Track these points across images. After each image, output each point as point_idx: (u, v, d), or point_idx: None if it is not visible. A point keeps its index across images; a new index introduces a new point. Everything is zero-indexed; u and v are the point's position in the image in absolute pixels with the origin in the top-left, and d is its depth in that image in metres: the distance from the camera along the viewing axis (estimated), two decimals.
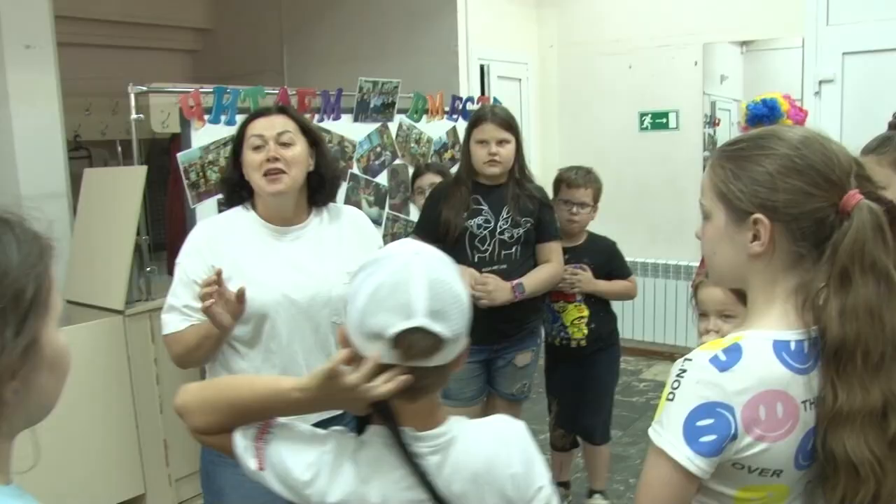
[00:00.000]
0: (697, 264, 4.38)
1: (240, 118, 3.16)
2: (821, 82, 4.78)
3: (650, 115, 5.43)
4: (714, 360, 1.12)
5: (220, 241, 2.02)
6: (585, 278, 3.08)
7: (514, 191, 2.86)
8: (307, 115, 3.54)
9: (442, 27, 5.04)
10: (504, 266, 2.84)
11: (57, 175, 3.83)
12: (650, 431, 1.16)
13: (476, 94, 4.97)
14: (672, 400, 1.14)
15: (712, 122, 5.52)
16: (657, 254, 5.45)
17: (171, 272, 4.15)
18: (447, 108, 4.37)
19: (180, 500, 3.57)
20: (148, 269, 3.50)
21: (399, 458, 1.13)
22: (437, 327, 1.09)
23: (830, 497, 1.14)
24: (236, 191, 2.11)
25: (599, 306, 3.17)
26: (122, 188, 3.41)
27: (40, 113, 3.76)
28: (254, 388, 1.20)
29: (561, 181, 3.19)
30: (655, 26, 5.32)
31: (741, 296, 1.77)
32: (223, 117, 3.18)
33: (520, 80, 5.65)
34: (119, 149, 5.90)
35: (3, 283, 0.81)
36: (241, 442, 1.16)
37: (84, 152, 5.65)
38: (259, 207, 2.09)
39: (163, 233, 5.00)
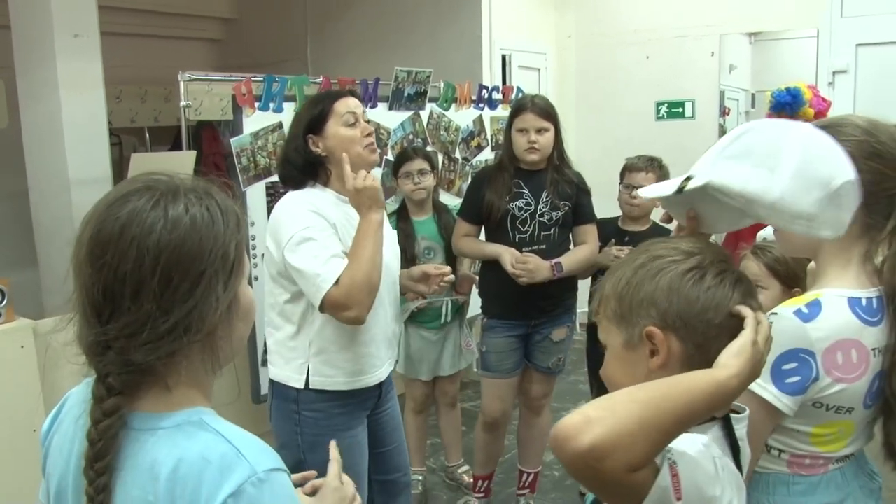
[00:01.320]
0: None
1: (287, 106, 3.35)
2: (835, 73, 4.94)
3: (666, 105, 5.59)
4: (798, 313, 1.31)
5: (320, 210, 2.15)
6: None
7: (553, 176, 3.01)
8: None
9: (465, 17, 5.17)
10: (543, 246, 3.00)
11: (102, 161, 3.97)
12: None
13: (498, 82, 5.11)
14: None
15: (722, 111, 5.67)
16: None
17: None
18: (474, 97, 4.51)
19: None
20: None
21: (731, 447, 1.08)
22: None
23: (894, 429, 1.33)
24: (309, 170, 2.22)
25: None
26: (173, 172, 3.53)
27: (87, 101, 3.88)
28: (693, 391, 0.95)
29: (624, 167, 3.35)
30: (673, 17, 5.46)
31: (772, 270, 1.97)
32: (271, 105, 3.31)
33: (539, 69, 5.79)
34: (147, 135, 6.06)
35: (214, 248, 0.99)
36: (666, 472, 0.94)
37: (115, 139, 5.79)
38: (335, 182, 2.23)
39: None
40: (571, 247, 3.13)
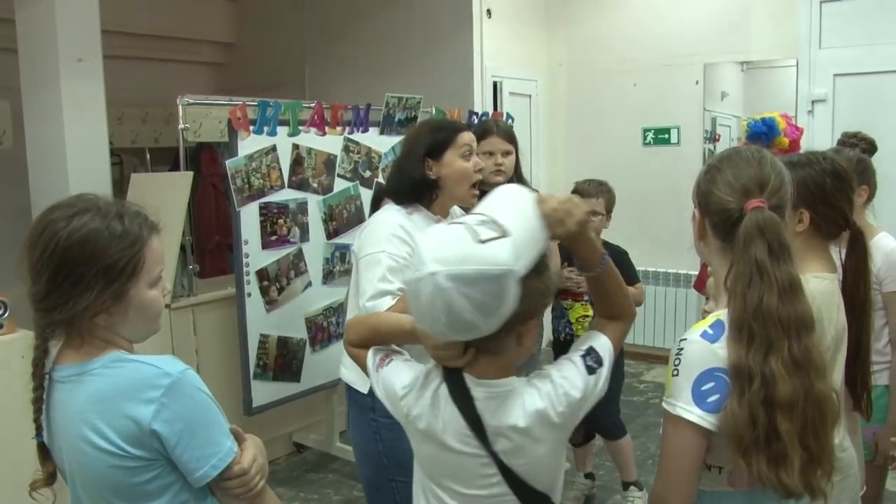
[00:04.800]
0: (695, 272, 4.71)
1: (281, 129, 3.50)
2: (813, 102, 5.10)
3: (653, 131, 5.74)
4: (704, 335, 1.41)
5: (412, 232, 2.23)
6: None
7: None
8: (338, 128, 3.85)
9: (458, 45, 5.35)
10: None
11: (103, 181, 4.10)
12: (664, 405, 1.43)
13: (489, 109, 5.27)
14: (677, 375, 1.41)
15: (713, 137, 5.81)
16: (657, 263, 5.74)
17: (198, 274, 4.39)
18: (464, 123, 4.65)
19: None
20: (191, 266, 3.78)
21: (457, 396, 1.39)
22: None
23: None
24: (422, 190, 2.33)
25: None
26: (170, 192, 3.68)
27: (89, 122, 4.02)
28: (391, 321, 1.64)
29: (575, 192, 3.47)
30: (659, 47, 5.64)
31: None
32: (266, 128, 3.46)
33: (530, 96, 5.95)
34: (148, 156, 6.20)
35: (98, 259, 1.33)
36: (372, 358, 1.56)
37: (116, 159, 5.93)
38: (436, 206, 2.36)
39: (188, 236, 5.26)
40: None
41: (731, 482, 1.45)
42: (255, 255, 3.50)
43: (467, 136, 2.38)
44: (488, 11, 5.41)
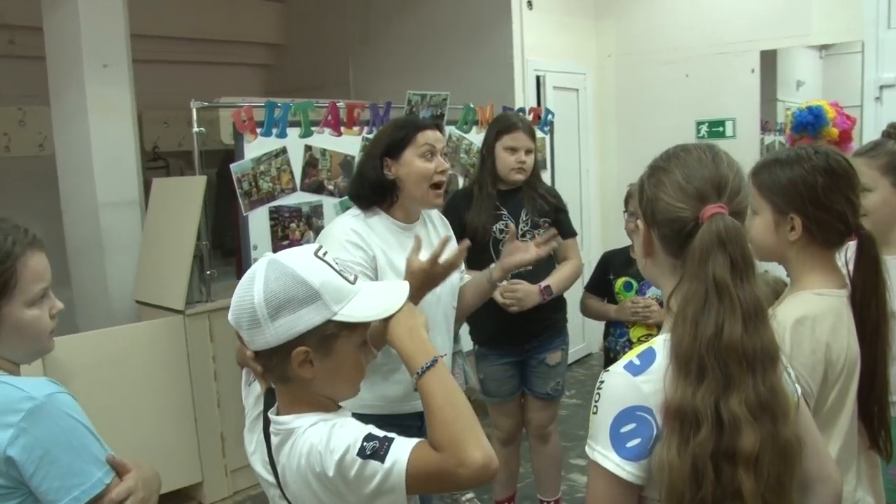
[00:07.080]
0: None
1: (291, 131, 3.41)
2: (882, 87, 4.70)
3: (707, 124, 5.41)
4: (629, 367, 1.18)
5: (367, 236, 2.15)
6: (657, 315, 2.97)
7: (529, 193, 2.95)
8: (356, 128, 3.74)
9: (498, 39, 5.17)
10: (529, 267, 2.92)
11: (130, 185, 4.12)
12: (586, 448, 1.20)
13: (531, 104, 5.07)
14: (596, 413, 1.18)
15: (783, 129, 5.46)
16: None
17: (240, 276, 4.36)
18: None
19: (235, 490, 3.80)
20: (208, 272, 3.73)
21: (265, 423, 1.35)
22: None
23: None
24: (380, 192, 2.21)
25: None
26: (185, 197, 3.65)
27: (115, 126, 4.04)
28: None
29: (628, 194, 3.23)
30: (712, 35, 5.31)
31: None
32: (274, 130, 3.37)
33: (577, 90, 5.71)
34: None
35: None
36: (245, 375, 1.51)
37: (162, 162, 6.01)
38: (398, 210, 2.23)
39: (231, 238, 5.24)
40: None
41: None
42: None
43: (430, 135, 2.21)
44: (529, 3, 5.21)
